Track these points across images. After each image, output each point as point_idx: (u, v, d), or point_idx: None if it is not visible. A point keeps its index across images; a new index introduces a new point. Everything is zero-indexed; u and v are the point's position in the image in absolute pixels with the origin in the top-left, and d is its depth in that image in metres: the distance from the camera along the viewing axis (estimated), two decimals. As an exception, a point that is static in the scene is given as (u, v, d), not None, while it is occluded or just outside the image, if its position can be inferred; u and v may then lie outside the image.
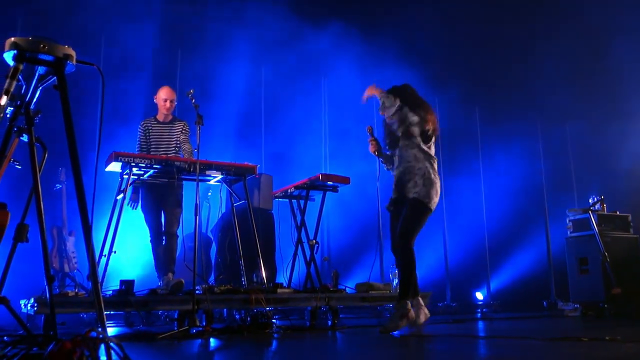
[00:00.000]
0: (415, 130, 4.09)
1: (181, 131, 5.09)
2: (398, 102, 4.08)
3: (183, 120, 5.19)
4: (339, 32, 7.56)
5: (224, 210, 5.82)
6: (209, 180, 4.80)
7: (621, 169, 7.85)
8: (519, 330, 4.42)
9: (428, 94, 7.89)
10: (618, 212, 6.56)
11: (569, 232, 6.60)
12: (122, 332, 4.46)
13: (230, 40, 7.13)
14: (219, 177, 4.70)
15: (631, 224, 6.55)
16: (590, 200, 6.54)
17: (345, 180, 5.13)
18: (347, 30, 7.63)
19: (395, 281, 5.15)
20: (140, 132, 5.09)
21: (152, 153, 4.94)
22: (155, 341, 3.42)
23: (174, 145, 5.08)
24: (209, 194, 6.25)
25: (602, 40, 7.99)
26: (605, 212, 6.45)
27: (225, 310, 5.32)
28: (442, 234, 8.48)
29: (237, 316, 4.90)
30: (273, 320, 4.14)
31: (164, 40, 6.89)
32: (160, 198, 4.88)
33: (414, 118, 4.07)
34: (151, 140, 5.05)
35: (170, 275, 4.72)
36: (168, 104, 5.06)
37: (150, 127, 5.07)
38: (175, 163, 4.41)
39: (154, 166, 4.36)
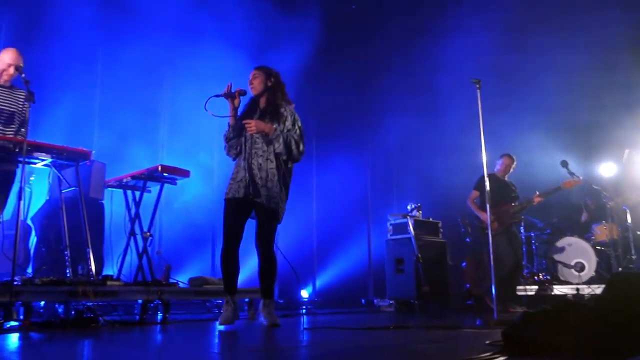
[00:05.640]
0: None
1: (25, 100, 4.14)
2: None
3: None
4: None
5: (48, 196, 5.40)
6: (36, 163, 4.41)
7: (436, 180, 8.74)
8: (339, 321, 4.77)
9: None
10: (431, 219, 7.35)
11: (388, 235, 7.23)
12: None
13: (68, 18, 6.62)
14: (48, 160, 4.35)
15: (441, 230, 7.39)
16: (408, 207, 7.25)
17: (185, 173, 5.05)
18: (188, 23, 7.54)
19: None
20: None
21: None
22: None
23: (15, 113, 4.40)
24: (32, 178, 5.74)
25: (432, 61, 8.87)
26: (421, 218, 7.20)
27: (44, 303, 4.93)
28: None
29: (59, 310, 4.58)
30: (99, 314, 3.97)
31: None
32: None
33: None
34: None
35: None
36: (12, 70, 4.32)
37: None
38: (-2, 141, 4.00)
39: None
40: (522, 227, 7.69)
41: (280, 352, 2.53)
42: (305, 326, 4.35)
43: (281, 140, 3.93)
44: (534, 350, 2.12)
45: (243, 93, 4.13)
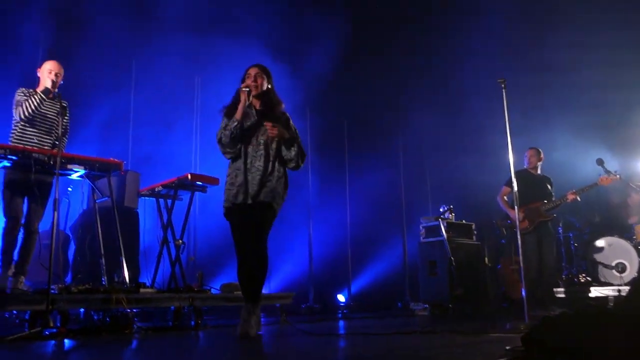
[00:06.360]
0: None
1: (59, 113, 4.38)
2: None
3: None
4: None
5: (85, 207, 5.58)
6: (71, 175, 4.57)
7: (473, 181, 8.61)
8: (370, 327, 4.76)
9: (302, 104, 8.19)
10: (464, 221, 7.25)
11: (421, 238, 7.17)
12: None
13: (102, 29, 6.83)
14: (82, 172, 4.48)
15: (474, 232, 7.28)
16: (441, 209, 7.17)
17: (215, 181, 5.13)
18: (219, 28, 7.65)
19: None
20: (26, 95, 4.45)
21: (36, 128, 4.53)
22: (4, 343, 3.22)
23: (56, 125, 4.56)
24: (69, 189, 5.95)
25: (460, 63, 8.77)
26: (453, 221, 7.11)
27: (82, 311, 5.09)
28: (307, 239, 8.75)
29: (95, 317, 4.72)
30: (135, 320, 4.07)
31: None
32: (26, 186, 4.30)
33: None
34: (37, 114, 4.48)
35: (22, 278, 4.40)
36: (53, 76, 4.52)
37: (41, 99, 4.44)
38: (33, 155, 4.16)
39: (9, 157, 4.07)
40: (560, 228, 7.47)
41: (288, 357, 2.55)
42: (332, 331, 4.34)
43: (296, 146, 3.82)
44: (553, 356, 2.08)
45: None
